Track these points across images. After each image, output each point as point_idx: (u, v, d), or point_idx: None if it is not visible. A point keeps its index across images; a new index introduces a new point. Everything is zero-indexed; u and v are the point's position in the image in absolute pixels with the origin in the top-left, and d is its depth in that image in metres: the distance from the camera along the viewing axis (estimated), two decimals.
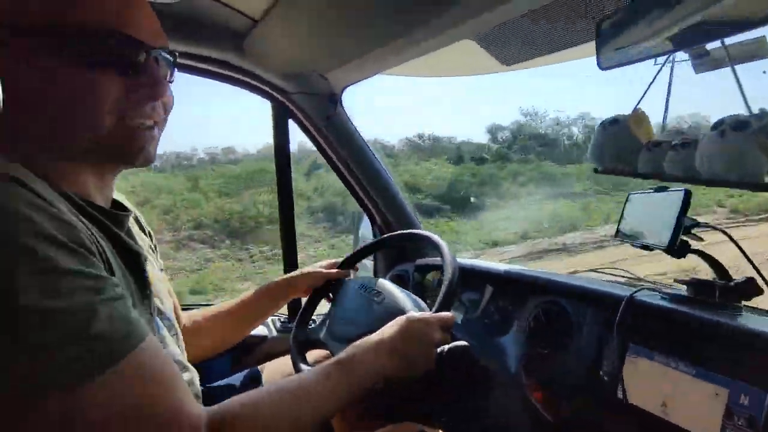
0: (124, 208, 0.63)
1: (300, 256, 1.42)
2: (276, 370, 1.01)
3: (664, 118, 0.82)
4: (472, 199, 10.25)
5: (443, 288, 0.83)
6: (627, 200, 0.94)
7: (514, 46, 0.88)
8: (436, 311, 0.79)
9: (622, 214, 0.93)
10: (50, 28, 0.47)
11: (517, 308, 1.01)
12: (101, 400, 0.40)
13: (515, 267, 1.11)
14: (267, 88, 1.20)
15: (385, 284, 0.96)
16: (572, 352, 0.86)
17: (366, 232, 1.51)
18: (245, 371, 1.03)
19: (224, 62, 1.09)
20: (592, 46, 0.68)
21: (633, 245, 0.89)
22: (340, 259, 1.05)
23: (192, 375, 0.72)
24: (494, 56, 0.98)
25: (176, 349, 0.73)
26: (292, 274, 1.02)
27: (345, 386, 0.60)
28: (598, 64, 0.66)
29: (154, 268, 0.71)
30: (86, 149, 0.52)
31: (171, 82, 0.59)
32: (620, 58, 0.66)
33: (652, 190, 0.86)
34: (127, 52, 0.51)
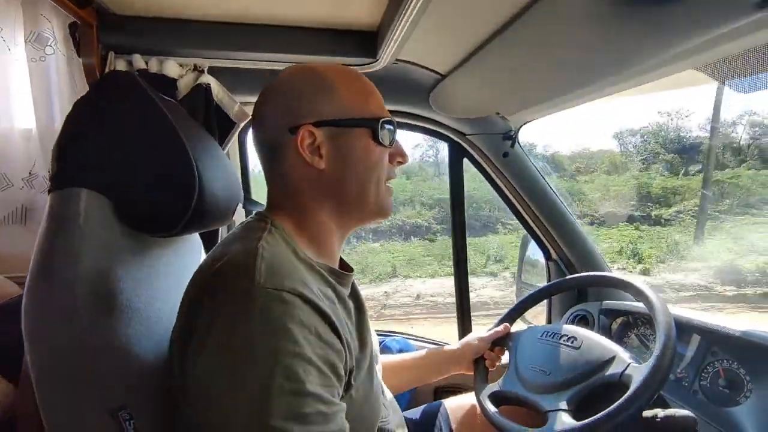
0: (349, 267, 0.73)
1: None
2: (459, 408, 1.02)
3: None
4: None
5: (661, 344, 0.75)
6: None
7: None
8: (660, 356, 0.72)
9: None
10: (365, 119, 0.63)
11: (759, 378, 0.83)
12: None
13: (747, 325, 0.92)
14: (445, 131, 1.27)
15: (575, 329, 0.91)
16: None
17: (534, 256, 1.45)
18: (423, 406, 1.07)
19: (411, 114, 1.20)
20: None
21: None
22: (500, 328, 1.02)
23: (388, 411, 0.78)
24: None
25: (386, 388, 0.82)
26: (458, 346, 1.02)
27: None
28: None
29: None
30: (368, 210, 0.65)
31: None
32: None
33: None
34: (390, 130, 0.65)
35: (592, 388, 0.78)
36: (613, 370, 0.77)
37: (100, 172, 0.56)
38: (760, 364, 0.83)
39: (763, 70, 0.67)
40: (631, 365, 0.76)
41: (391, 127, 0.65)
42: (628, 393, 0.70)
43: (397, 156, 0.68)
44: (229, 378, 0.46)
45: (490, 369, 1.00)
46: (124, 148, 0.58)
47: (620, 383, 0.75)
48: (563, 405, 0.77)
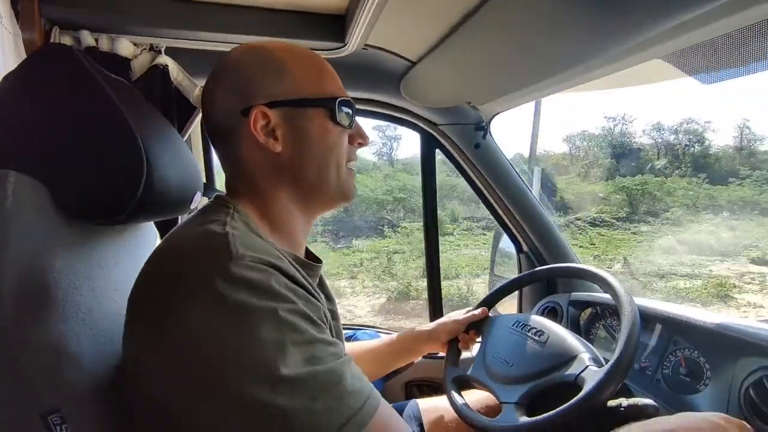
0: (317, 258, 0.71)
1: None
2: (433, 409, 1.00)
3: None
4: None
5: (624, 337, 0.75)
6: None
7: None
8: (616, 363, 0.72)
9: None
10: (321, 99, 0.61)
11: (718, 366, 0.84)
12: None
13: (709, 314, 0.94)
14: (416, 121, 1.25)
15: (545, 322, 0.91)
16: None
17: (506, 248, 1.46)
18: (392, 405, 1.05)
19: (382, 102, 1.17)
20: None
21: None
22: (477, 312, 1.01)
23: None
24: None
25: None
26: (432, 325, 1.01)
27: None
28: None
29: None
30: (329, 194, 0.63)
31: None
32: None
33: None
34: (349, 112, 0.63)
35: (547, 386, 0.78)
36: (571, 370, 0.77)
37: (31, 153, 0.51)
38: (718, 352, 0.85)
39: (725, 59, 0.67)
40: (588, 368, 0.75)
41: (349, 110, 0.63)
42: (576, 398, 0.70)
43: (358, 138, 0.66)
44: (230, 348, 0.44)
45: (463, 351, 0.99)
46: (58, 128, 0.53)
47: (575, 385, 0.74)
48: (517, 399, 0.77)
